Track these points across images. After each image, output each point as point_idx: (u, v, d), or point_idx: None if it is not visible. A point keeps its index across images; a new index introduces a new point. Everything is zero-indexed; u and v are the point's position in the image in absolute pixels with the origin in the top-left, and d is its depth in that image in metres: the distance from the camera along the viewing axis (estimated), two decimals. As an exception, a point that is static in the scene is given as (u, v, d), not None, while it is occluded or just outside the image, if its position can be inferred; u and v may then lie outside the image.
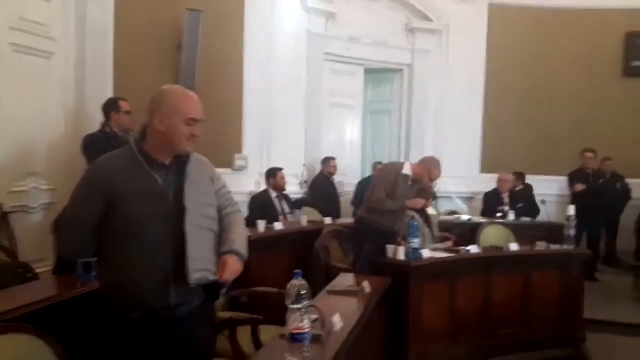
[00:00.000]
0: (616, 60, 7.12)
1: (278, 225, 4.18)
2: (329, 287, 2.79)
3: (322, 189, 5.99)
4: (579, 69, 7.10)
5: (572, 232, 4.40)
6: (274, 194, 5.11)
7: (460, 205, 6.10)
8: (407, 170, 3.75)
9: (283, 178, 5.05)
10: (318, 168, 6.29)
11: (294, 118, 6.16)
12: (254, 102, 5.86)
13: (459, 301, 3.80)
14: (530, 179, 6.64)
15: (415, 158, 7.12)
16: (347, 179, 6.73)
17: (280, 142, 5.94)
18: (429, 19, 7.06)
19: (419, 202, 3.73)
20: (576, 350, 4.14)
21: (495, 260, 4.07)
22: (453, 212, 5.95)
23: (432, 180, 3.82)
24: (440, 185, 7.09)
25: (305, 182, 6.16)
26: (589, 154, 6.02)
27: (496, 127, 7.23)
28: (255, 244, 3.87)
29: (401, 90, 7.33)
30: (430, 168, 3.75)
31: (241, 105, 5.80)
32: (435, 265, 3.66)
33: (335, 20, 6.55)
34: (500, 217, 5.62)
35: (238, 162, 5.71)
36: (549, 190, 6.24)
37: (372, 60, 7.06)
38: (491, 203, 6.04)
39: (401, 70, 7.30)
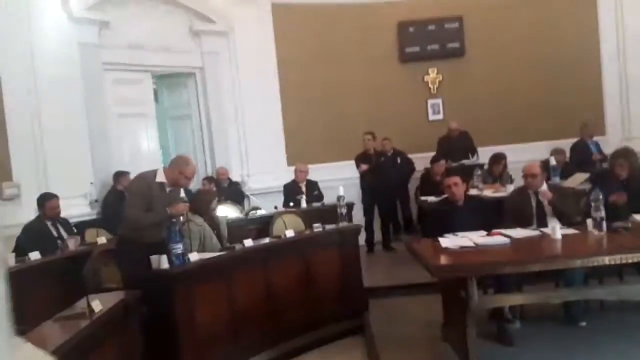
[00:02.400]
0: (392, 48, 7.81)
1: (33, 256, 3.82)
2: (59, 314, 2.61)
3: (115, 206, 5.66)
4: (363, 60, 7.66)
5: (344, 210, 4.73)
6: (49, 222, 4.71)
7: (255, 201, 6.23)
8: (160, 177, 3.66)
9: (53, 208, 4.66)
10: (110, 183, 5.95)
11: (74, 135, 5.73)
12: (19, 123, 5.32)
13: (239, 296, 3.86)
14: (327, 166, 7.05)
15: (221, 161, 7.25)
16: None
17: (59, 163, 5.49)
18: (212, 21, 7.05)
19: (180, 208, 3.66)
20: (359, 320, 4.47)
21: (271, 249, 4.20)
22: (255, 208, 6.05)
23: (188, 178, 3.77)
24: (251, 183, 7.25)
25: (96, 201, 5.78)
26: (368, 136, 6.55)
27: (296, 121, 7.51)
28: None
29: (197, 94, 7.24)
30: (180, 168, 3.68)
31: (4, 128, 5.22)
32: (204, 267, 3.66)
33: (109, 29, 6.21)
34: (294, 206, 5.85)
35: (7, 191, 5.14)
36: (343, 174, 6.63)
37: (160, 65, 6.86)
38: (290, 193, 6.26)
39: (193, 74, 7.21)
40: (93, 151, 5.92)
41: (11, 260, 3.70)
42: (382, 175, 6.46)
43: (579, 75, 7.50)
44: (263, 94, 7.36)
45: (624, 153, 4.25)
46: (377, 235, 6.72)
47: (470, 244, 3.39)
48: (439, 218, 4.10)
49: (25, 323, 2.75)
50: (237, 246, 4.07)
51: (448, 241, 3.48)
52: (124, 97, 6.50)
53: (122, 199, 5.70)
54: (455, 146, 6.83)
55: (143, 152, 6.69)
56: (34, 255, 3.83)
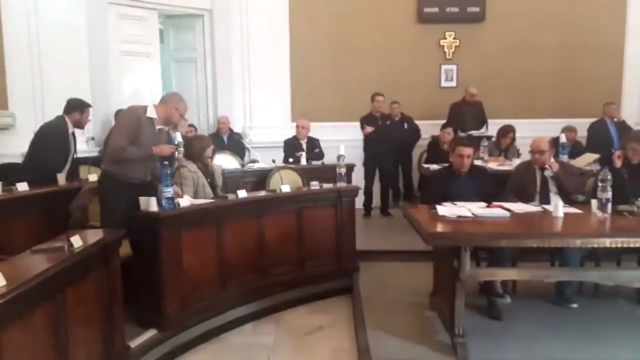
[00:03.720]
0: (411, 7, 7.49)
1: (21, 187, 3.72)
2: (37, 246, 2.53)
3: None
4: (379, 18, 7.35)
5: (343, 170, 4.62)
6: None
7: (255, 154, 6.10)
8: (151, 113, 3.50)
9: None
10: (112, 122, 5.81)
11: (74, 68, 5.56)
12: (18, 52, 5.14)
13: (228, 246, 3.80)
14: (332, 125, 6.89)
15: (224, 109, 7.08)
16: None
17: (57, 97, 5.27)
18: (224, -39, 6.76)
19: (164, 149, 3.53)
20: (349, 280, 4.43)
21: (264, 202, 4.11)
22: (254, 161, 5.93)
23: (182, 115, 3.62)
24: (253, 136, 7.11)
25: (92, 138, 5.66)
26: (379, 97, 6.32)
27: (304, 76, 7.28)
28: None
29: (203, 37, 7.01)
30: (175, 104, 3.51)
31: (1, 56, 5.05)
32: (194, 213, 3.58)
33: (118, -40, 5.96)
34: (293, 162, 5.73)
35: (2, 120, 5.01)
36: (347, 135, 6.46)
37: (167, 4, 6.61)
38: (290, 149, 6.13)
39: (202, 16, 6.96)
40: (92, 87, 5.75)
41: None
42: (387, 139, 6.29)
43: (601, 53, 7.19)
44: (272, 45, 7.12)
45: (637, 136, 4.09)
46: (376, 200, 6.62)
47: (468, 214, 3.29)
48: (439, 185, 3.97)
49: (4, 252, 2.71)
50: (230, 196, 3.98)
51: (446, 209, 3.39)
52: (128, 35, 6.30)
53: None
54: (467, 115, 6.61)
55: (144, 92, 6.52)
56: (22, 186, 3.73)
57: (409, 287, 4.08)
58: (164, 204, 3.40)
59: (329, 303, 4.23)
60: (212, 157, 4.45)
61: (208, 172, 4.29)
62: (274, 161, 5.74)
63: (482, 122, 6.62)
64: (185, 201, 3.57)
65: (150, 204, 3.39)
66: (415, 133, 6.92)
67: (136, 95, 6.40)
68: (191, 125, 6.38)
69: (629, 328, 3.32)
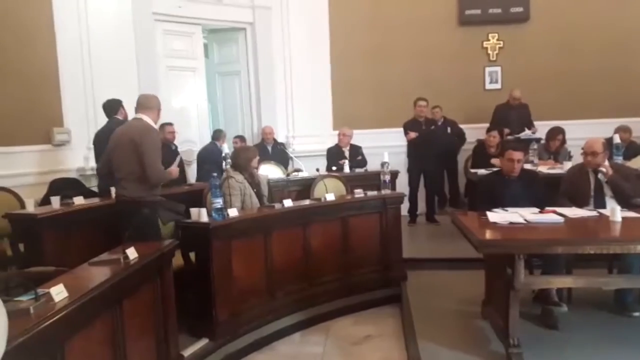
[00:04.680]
0: (452, 9, 7.40)
1: (77, 200, 3.88)
2: (94, 258, 2.63)
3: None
4: (419, 21, 7.30)
5: (387, 177, 4.58)
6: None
7: (299, 163, 6.14)
8: (153, 123, 3.47)
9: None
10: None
11: (125, 84, 5.76)
12: (71, 70, 5.39)
13: (276, 255, 3.84)
14: (374, 132, 6.87)
15: (267, 120, 7.17)
16: (197, 146, 6.52)
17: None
18: (264, -25, 6.88)
19: (174, 172, 3.59)
20: (396, 289, 4.38)
21: (310, 211, 4.13)
22: (297, 170, 5.98)
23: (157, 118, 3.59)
24: (296, 145, 7.16)
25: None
26: (422, 102, 6.25)
27: (344, 84, 7.32)
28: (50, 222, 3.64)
29: (246, 50, 7.14)
30: (158, 107, 3.55)
31: (57, 73, 5.30)
32: (243, 223, 3.64)
33: (161, -21, 6.17)
34: (336, 170, 5.74)
35: (58, 137, 5.26)
36: (390, 142, 6.40)
37: (210, 19, 6.78)
38: (333, 157, 6.15)
39: (244, 30, 7.10)
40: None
41: (55, 203, 3.78)
42: (431, 144, 6.20)
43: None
44: (313, 54, 7.19)
45: None
46: (421, 207, 6.54)
47: (521, 220, 3.20)
48: (489, 191, 3.87)
49: (63, 264, 2.83)
50: (277, 205, 4.02)
51: (497, 215, 3.31)
52: (174, 50, 6.50)
53: (166, 150, 5.76)
54: (511, 117, 6.44)
55: (191, 106, 6.70)
56: (78, 200, 3.90)
57: (459, 296, 3.99)
58: (213, 214, 3.48)
59: (377, 312, 4.19)
60: (257, 167, 4.52)
61: (254, 182, 4.35)
62: (317, 170, 5.76)
63: (528, 124, 6.43)
64: (234, 212, 3.63)
65: (201, 215, 3.47)
66: (460, 137, 6.81)
67: (183, 110, 6.60)
68: (239, 137, 6.50)
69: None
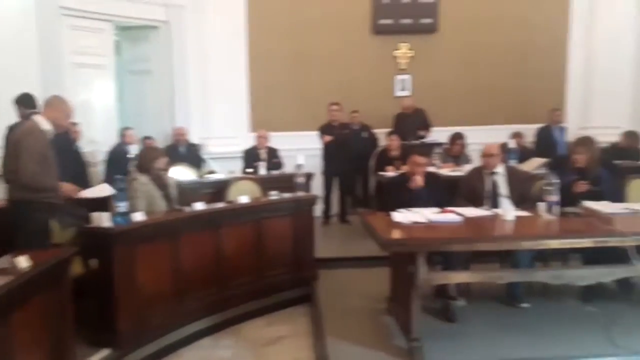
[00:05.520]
0: (366, 18, 7.63)
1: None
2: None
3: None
4: (335, 29, 7.45)
5: (302, 179, 4.64)
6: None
7: (213, 165, 6.06)
8: (44, 124, 3.30)
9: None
10: (62, 136, 5.65)
11: (25, 81, 5.38)
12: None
13: (185, 259, 3.75)
14: (292, 135, 6.92)
15: (181, 120, 7.00)
16: (104, 147, 6.21)
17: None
18: (178, -27, 6.73)
19: (69, 189, 3.45)
20: (307, 289, 4.44)
21: (222, 213, 4.09)
22: (211, 172, 5.89)
23: (69, 117, 3.50)
24: (211, 147, 7.04)
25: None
26: (334, 107, 6.41)
27: (262, 86, 7.30)
28: None
29: (160, 48, 6.93)
30: (59, 106, 3.42)
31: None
32: (149, 227, 3.52)
33: (68, -30, 5.84)
34: (252, 172, 5.72)
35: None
36: (307, 144, 6.50)
37: (122, 16, 6.51)
38: (250, 159, 6.13)
39: (157, 28, 6.90)
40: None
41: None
42: (346, 148, 6.37)
43: (546, 62, 7.51)
44: (230, 56, 7.11)
45: (585, 142, 4.27)
46: (335, 208, 6.68)
47: (423, 219, 3.37)
48: (396, 193, 4.05)
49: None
50: (187, 209, 3.93)
51: (401, 216, 3.46)
52: (82, 46, 6.16)
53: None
54: (409, 123, 6.80)
55: (97, 105, 6.39)
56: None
57: (367, 294, 4.13)
58: (117, 219, 3.34)
59: (289, 313, 4.23)
60: (166, 169, 4.37)
61: (162, 185, 4.20)
62: (231, 172, 5.70)
63: (425, 128, 6.79)
64: (139, 216, 3.50)
65: (102, 219, 3.32)
66: (373, 142, 7.03)
67: (90, 109, 6.27)
68: (148, 138, 6.29)
69: (577, 324, 3.45)
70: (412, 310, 3.11)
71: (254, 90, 7.35)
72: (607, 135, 6.41)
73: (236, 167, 6.03)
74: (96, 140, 6.19)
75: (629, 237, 3.04)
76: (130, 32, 7.02)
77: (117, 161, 5.65)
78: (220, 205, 4.27)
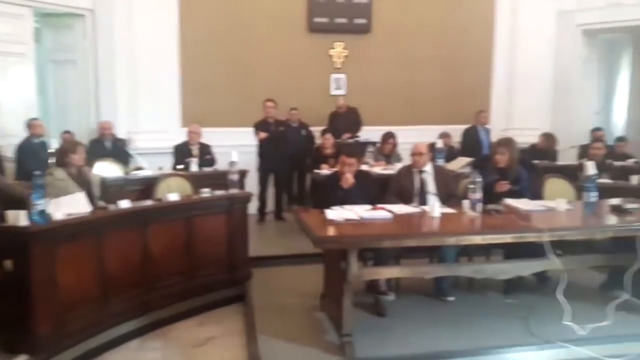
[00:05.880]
0: (302, 16, 7.62)
1: None
2: None
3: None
4: (271, 26, 7.39)
5: (235, 176, 4.57)
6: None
7: (141, 161, 5.85)
8: None
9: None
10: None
11: None
12: None
13: (110, 260, 3.58)
14: (226, 131, 6.80)
15: (107, 113, 6.68)
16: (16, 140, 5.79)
17: None
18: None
19: None
20: (241, 288, 4.39)
21: (149, 212, 3.94)
22: (139, 168, 5.67)
23: None
24: (139, 142, 6.77)
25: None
26: (269, 103, 6.38)
27: (195, 81, 7.11)
28: None
29: (85, 37, 6.59)
30: None
31: None
32: (70, 226, 3.34)
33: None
34: (183, 169, 5.58)
35: None
36: (242, 141, 6.40)
37: (42, 1, 6.13)
38: (181, 155, 5.96)
39: (82, 15, 6.54)
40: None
41: None
42: (282, 145, 6.36)
43: (473, 66, 7.87)
44: (160, 48, 6.86)
45: (506, 143, 4.49)
46: (270, 205, 6.65)
47: (355, 217, 3.42)
48: (329, 190, 4.08)
49: None
50: (112, 207, 3.76)
51: (334, 213, 3.49)
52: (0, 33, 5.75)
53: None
54: (342, 122, 6.92)
55: (15, 96, 5.98)
56: None
57: (301, 291, 4.14)
58: (35, 217, 3.13)
59: (221, 313, 4.15)
60: (84, 165, 4.14)
61: (83, 181, 4.00)
62: (160, 168, 5.53)
63: (356, 127, 6.93)
64: (59, 214, 3.31)
65: (19, 218, 3.11)
66: (310, 139, 7.06)
67: (7, 100, 5.86)
68: (67, 132, 5.96)
69: (498, 316, 3.64)
70: (344, 306, 3.15)
71: (186, 83, 7.15)
72: (526, 136, 6.82)
73: (166, 164, 5.85)
74: (13, 133, 5.78)
75: (545, 233, 3.24)
76: (52, 19, 6.63)
77: (31, 155, 5.30)
78: (148, 202, 4.12)
